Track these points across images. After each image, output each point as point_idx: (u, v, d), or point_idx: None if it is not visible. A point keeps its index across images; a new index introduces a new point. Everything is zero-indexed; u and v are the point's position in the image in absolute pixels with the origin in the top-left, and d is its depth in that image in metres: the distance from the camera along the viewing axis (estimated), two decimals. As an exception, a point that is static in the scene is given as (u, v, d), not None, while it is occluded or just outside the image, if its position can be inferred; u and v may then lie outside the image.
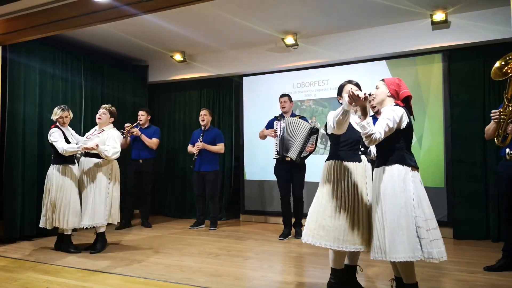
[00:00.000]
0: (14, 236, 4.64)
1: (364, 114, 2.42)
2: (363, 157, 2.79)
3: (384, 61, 5.34)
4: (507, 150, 3.26)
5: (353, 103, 2.42)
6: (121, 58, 6.53)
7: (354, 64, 5.48)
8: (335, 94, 5.55)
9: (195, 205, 6.23)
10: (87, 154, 4.18)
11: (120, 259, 3.92)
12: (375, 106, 2.68)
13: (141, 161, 5.63)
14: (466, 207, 4.75)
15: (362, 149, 2.77)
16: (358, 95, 2.35)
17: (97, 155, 4.15)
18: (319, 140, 5.69)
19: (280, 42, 5.61)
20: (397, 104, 2.55)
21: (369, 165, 2.80)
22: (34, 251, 4.27)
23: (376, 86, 2.68)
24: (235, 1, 4.37)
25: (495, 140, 3.31)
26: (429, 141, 5.04)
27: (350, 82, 2.89)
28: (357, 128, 2.65)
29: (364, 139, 2.45)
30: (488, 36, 4.56)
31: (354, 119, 2.80)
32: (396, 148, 2.49)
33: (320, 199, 2.74)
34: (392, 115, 2.43)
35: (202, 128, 5.53)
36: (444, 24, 4.74)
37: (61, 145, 4.01)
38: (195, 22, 4.98)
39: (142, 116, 5.68)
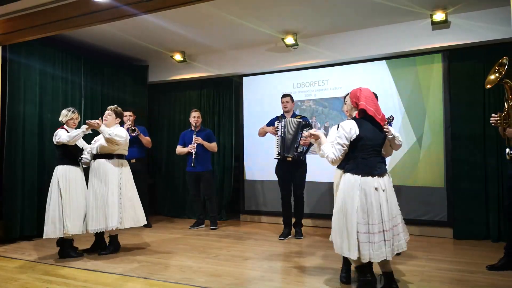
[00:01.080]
0: (14, 236, 4.65)
1: (319, 144, 2.90)
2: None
3: (384, 61, 5.34)
4: (507, 150, 3.27)
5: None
6: (121, 58, 6.53)
7: (354, 64, 5.48)
8: (335, 94, 5.64)
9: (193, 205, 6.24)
10: (96, 156, 4.12)
11: (120, 259, 3.92)
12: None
13: (133, 161, 5.59)
14: (466, 207, 4.75)
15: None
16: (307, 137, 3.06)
17: (107, 156, 4.10)
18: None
19: (280, 42, 5.61)
20: (354, 117, 2.83)
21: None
22: (34, 251, 4.27)
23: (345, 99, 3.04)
24: (235, 1, 4.37)
25: (506, 140, 3.41)
26: (429, 141, 5.04)
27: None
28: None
29: None
30: (488, 36, 4.56)
31: None
32: (350, 157, 2.76)
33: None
34: (340, 133, 2.74)
35: (194, 129, 5.51)
36: (444, 24, 4.74)
37: (64, 136, 3.92)
38: (195, 22, 4.98)
39: (130, 117, 5.55)
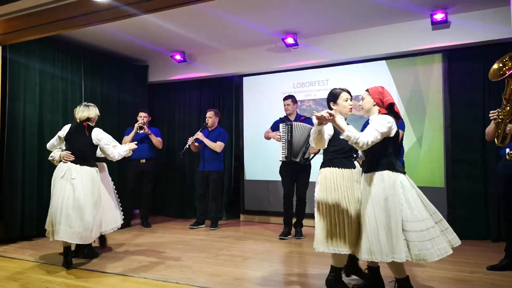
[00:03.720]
0: (14, 236, 4.64)
1: (340, 128, 2.50)
2: (356, 163, 2.89)
3: (384, 61, 5.34)
4: (507, 150, 3.27)
5: (323, 122, 2.53)
6: (121, 58, 6.53)
7: (354, 64, 5.48)
8: (335, 94, 5.62)
9: (195, 204, 6.24)
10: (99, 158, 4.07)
11: (120, 259, 3.92)
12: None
13: (143, 161, 5.62)
14: (466, 207, 4.75)
15: (354, 155, 2.88)
16: (322, 115, 2.46)
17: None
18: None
19: (280, 42, 5.61)
20: (384, 113, 2.65)
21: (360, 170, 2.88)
22: (34, 251, 4.27)
23: (362, 97, 2.79)
24: (235, 1, 4.37)
25: (495, 141, 3.33)
26: (429, 141, 5.04)
27: (346, 91, 2.92)
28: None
29: (354, 146, 2.54)
30: (488, 36, 4.56)
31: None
32: (385, 154, 2.61)
33: (323, 207, 2.78)
34: (383, 124, 2.55)
35: (209, 128, 5.56)
36: (444, 24, 4.74)
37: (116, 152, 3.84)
38: (195, 22, 4.98)
39: (145, 118, 5.61)
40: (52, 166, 5.09)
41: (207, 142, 5.44)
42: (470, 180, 4.74)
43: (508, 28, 4.00)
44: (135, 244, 4.58)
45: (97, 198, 3.67)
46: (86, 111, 3.79)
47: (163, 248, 4.38)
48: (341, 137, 2.56)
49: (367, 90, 2.76)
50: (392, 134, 2.59)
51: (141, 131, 5.46)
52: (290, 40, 5.42)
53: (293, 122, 4.73)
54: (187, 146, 5.41)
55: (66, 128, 3.81)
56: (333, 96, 2.92)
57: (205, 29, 5.27)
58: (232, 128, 6.48)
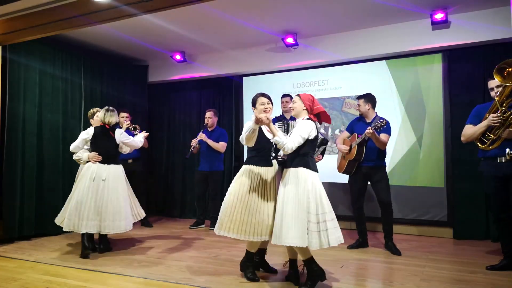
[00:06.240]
0: (13, 236, 4.64)
1: (273, 132, 2.92)
2: (274, 161, 3.25)
3: (384, 61, 5.34)
4: (507, 150, 3.27)
5: (259, 123, 2.90)
6: (121, 58, 6.53)
7: (354, 64, 5.48)
8: (335, 94, 5.64)
9: (195, 205, 6.23)
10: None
11: (120, 259, 3.92)
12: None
13: (130, 161, 5.58)
14: (466, 207, 4.75)
15: (273, 155, 3.25)
16: (261, 118, 2.85)
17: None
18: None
19: (280, 42, 5.61)
20: (309, 118, 3.02)
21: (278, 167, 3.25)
22: (34, 251, 4.27)
23: (293, 100, 3.14)
24: (235, 1, 4.37)
25: (478, 143, 3.45)
26: (429, 141, 5.04)
27: (262, 95, 3.28)
28: (270, 137, 3.11)
29: (281, 150, 2.92)
30: (488, 36, 4.57)
31: (267, 129, 3.15)
32: (301, 154, 2.95)
33: (233, 196, 3.12)
34: (306, 130, 2.92)
35: (208, 129, 5.55)
36: (444, 24, 4.74)
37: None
38: (195, 22, 4.98)
39: (127, 118, 5.47)
40: (51, 166, 5.11)
41: (211, 143, 5.42)
42: (470, 180, 4.74)
43: (508, 28, 4.00)
44: (135, 244, 4.57)
45: (128, 191, 4.31)
46: (115, 117, 4.23)
47: (163, 248, 4.38)
48: (272, 140, 2.99)
49: (298, 95, 3.10)
50: (311, 137, 2.94)
51: (136, 132, 5.41)
52: (290, 40, 5.42)
53: (289, 121, 4.73)
54: (192, 148, 5.38)
55: (91, 131, 4.22)
56: (252, 101, 3.31)
57: (205, 29, 5.27)
58: (232, 128, 6.47)
